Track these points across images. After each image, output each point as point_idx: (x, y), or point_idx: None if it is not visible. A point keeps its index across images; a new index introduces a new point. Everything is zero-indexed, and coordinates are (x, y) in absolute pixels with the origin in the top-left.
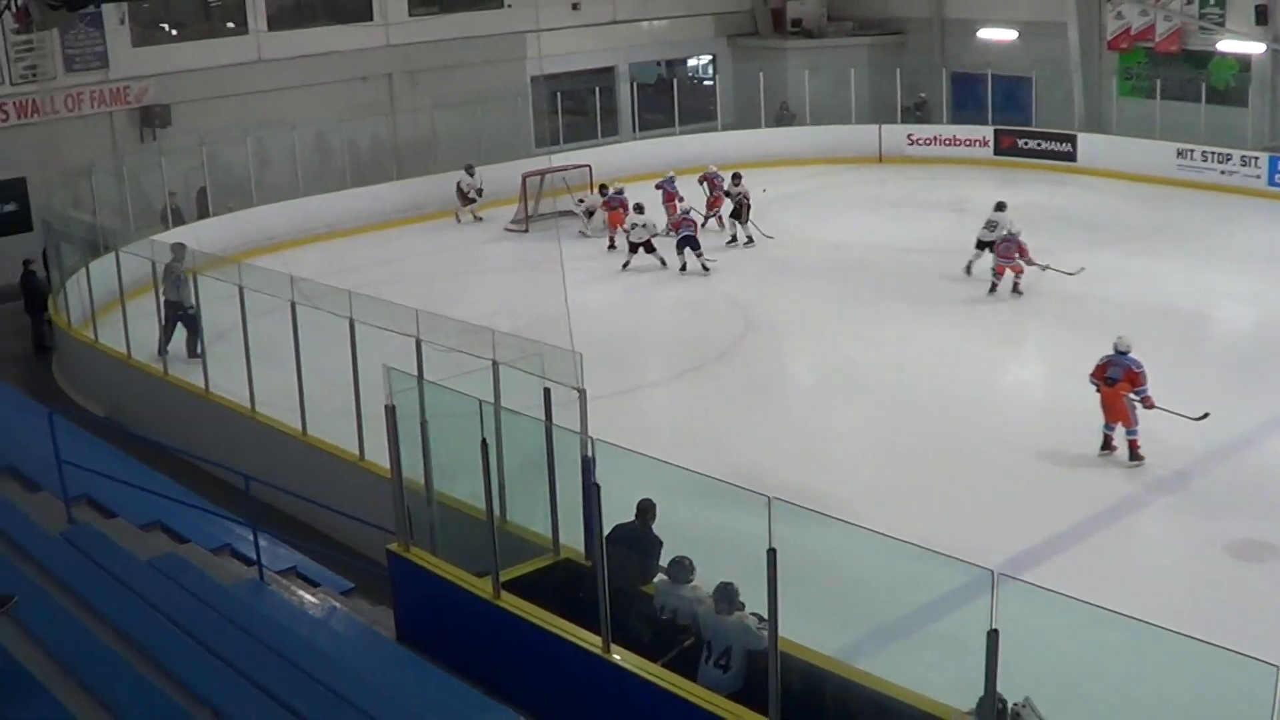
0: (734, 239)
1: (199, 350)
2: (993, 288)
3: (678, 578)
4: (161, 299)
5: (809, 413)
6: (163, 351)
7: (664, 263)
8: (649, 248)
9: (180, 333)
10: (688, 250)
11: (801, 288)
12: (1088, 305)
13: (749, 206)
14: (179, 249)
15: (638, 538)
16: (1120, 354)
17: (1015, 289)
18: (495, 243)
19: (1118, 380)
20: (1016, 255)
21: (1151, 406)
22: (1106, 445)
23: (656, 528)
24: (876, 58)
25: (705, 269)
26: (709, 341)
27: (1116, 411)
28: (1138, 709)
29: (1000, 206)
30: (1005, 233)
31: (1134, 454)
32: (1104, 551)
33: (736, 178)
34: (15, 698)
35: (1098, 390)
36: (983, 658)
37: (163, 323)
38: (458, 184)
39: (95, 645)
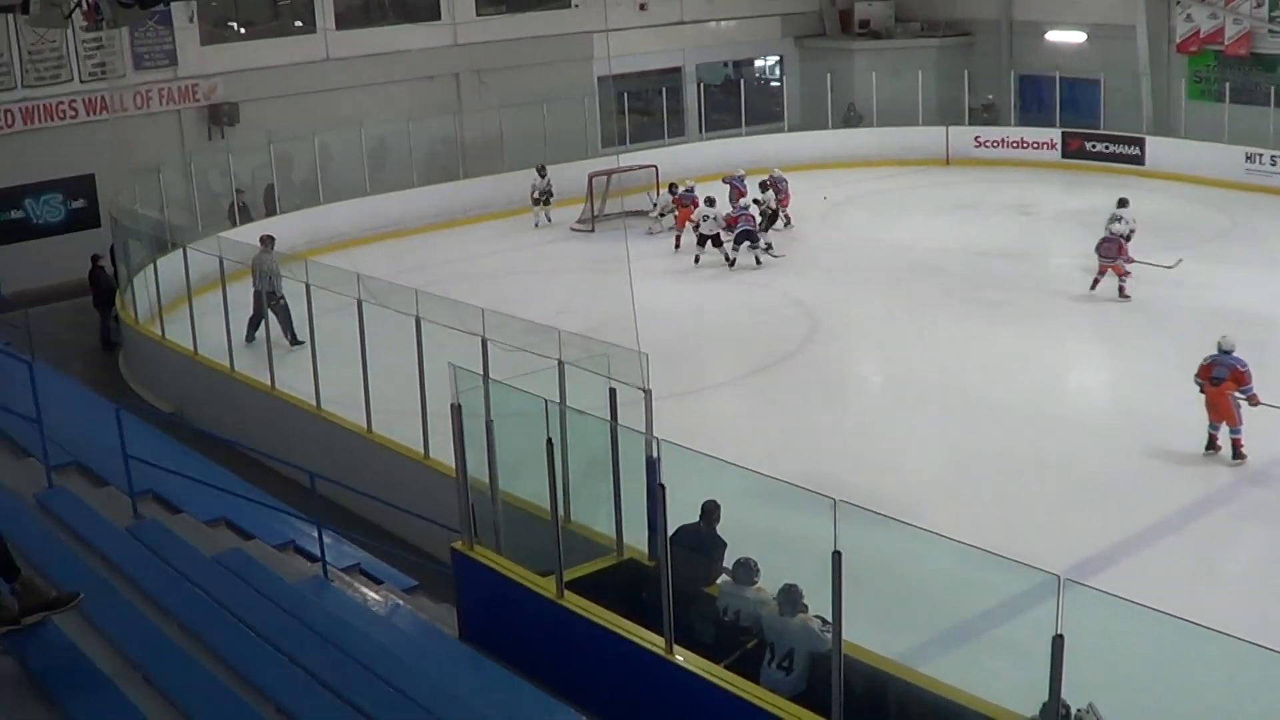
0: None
1: (296, 338)
2: (1094, 284)
3: (742, 579)
4: (252, 290)
5: (874, 415)
6: (249, 340)
7: (730, 261)
8: (717, 241)
9: (274, 324)
10: (745, 245)
11: (867, 290)
12: (1154, 309)
13: (773, 215)
14: (268, 240)
15: (701, 539)
16: (1225, 354)
17: (1121, 293)
18: (561, 242)
19: (1223, 380)
20: (1117, 255)
21: (1257, 404)
22: (1211, 445)
23: (720, 529)
24: (944, 59)
25: (758, 261)
26: (774, 343)
27: (1221, 411)
28: (1203, 717)
29: (1122, 203)
30: (1107, 232)
31: (1237, 453)
32: (1171, 558)
33: (764, 186)
34: (81, 692)
35: (1201, 390)
36: (1046, 664)
37: (252, 313)
38: (531, 186)
39: (160, 640)
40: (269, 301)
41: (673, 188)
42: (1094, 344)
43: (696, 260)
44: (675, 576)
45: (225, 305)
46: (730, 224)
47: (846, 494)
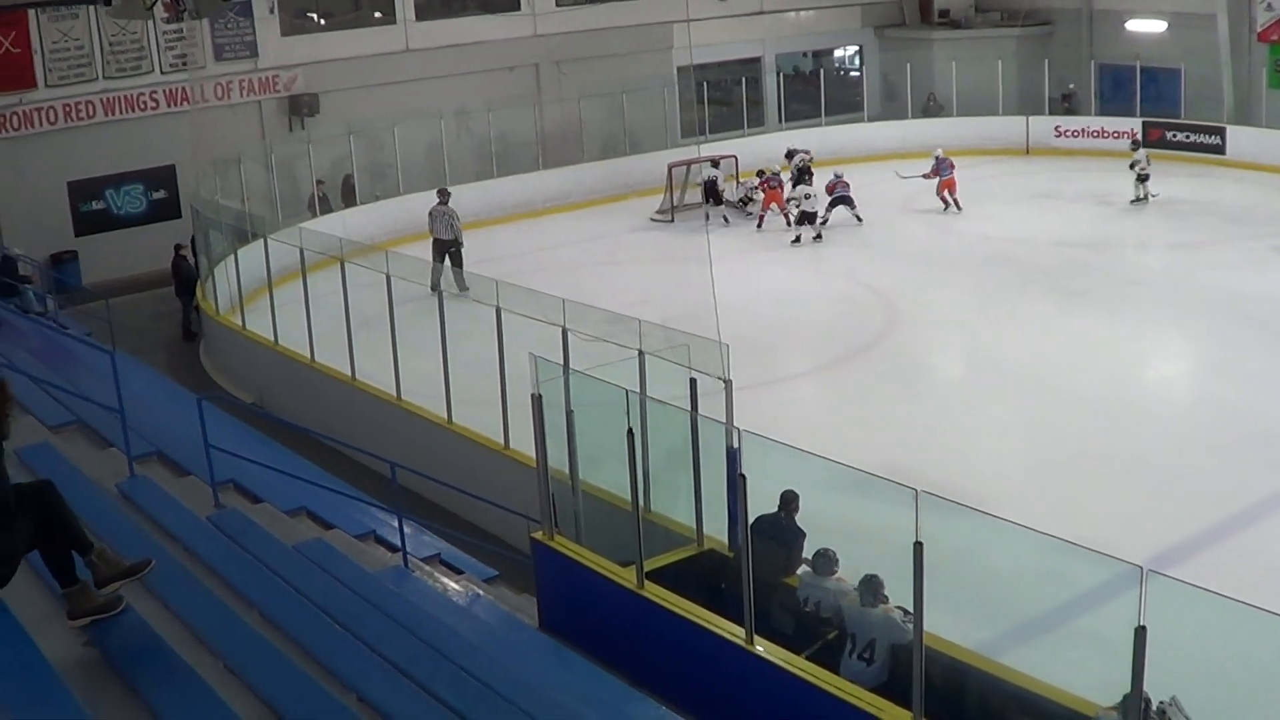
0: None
1: (465, 285)
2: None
3: (821, 570)
4: (431, 238)
5: (953, 406)
6: (435, 288)
7: (819, 235)
8: (812, 219)
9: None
10: (840, 208)
11: (947, 280)
12: (1235, 299)
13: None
14: (444, 193)
15: (780, 529)
16: None
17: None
18: (641, 232)
19: None
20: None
21: None
22: None
23: (800, 519)
24: (1024, 49)
25: (859, 220)
26: (853, 334)
27: None
28: None
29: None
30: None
31: None
32: (1253, 550)
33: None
34: (163, 681)
35: None
36: (1128, 655)
37: (433, 261)
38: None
39: (241, 629)
40: (447, 249)
41: (761, 173)
42: (1173, 334)
43: (797, 240)
44: (755, 567)
45: (306, 296)
46: (830, 190)
47: (925, 484)
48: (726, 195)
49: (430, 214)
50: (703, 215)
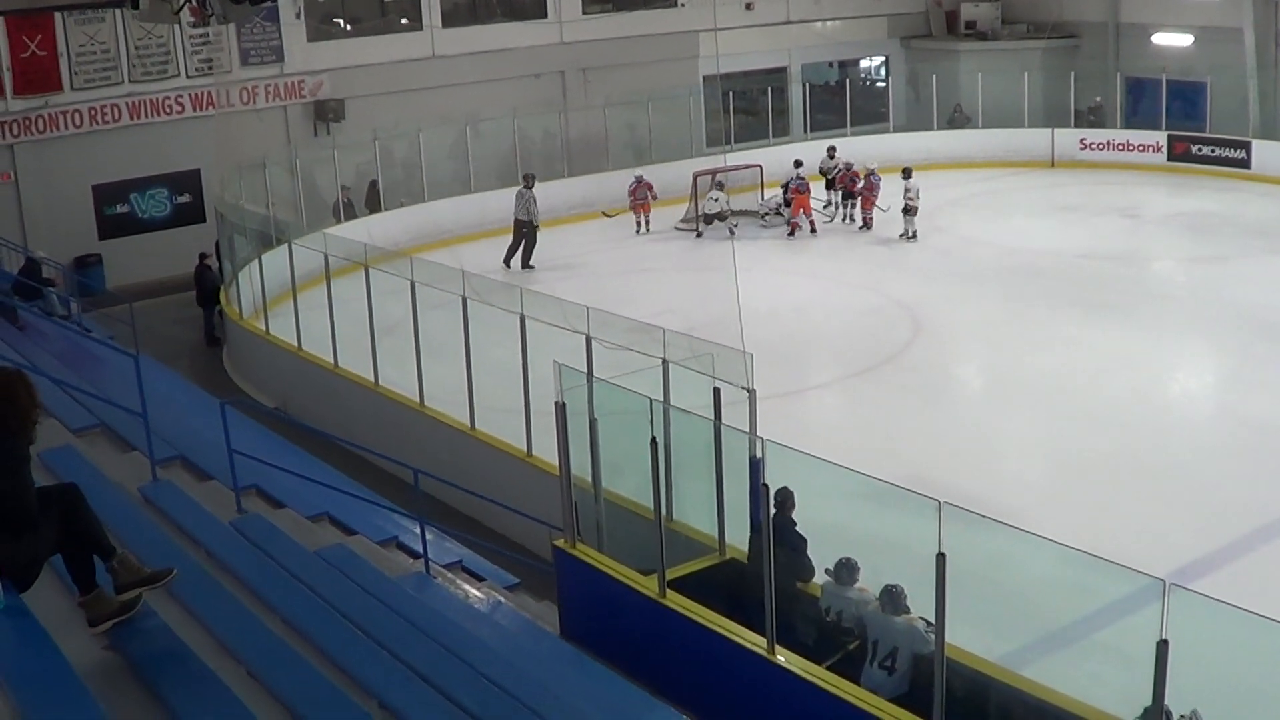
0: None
1: (529, 264)
2: None
3: (844, 580)
4: (514, 219)
5: (977, 418)
6: (507, 264)
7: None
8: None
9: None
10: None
11: (971, 292)
12: (1260, 313)
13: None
14: (529, 177)
15: (781, 532)
16: None
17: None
18: (665, 241)
19: None
20: None
21: None
22: None
23: (819, 528)
24: (1050, 61)
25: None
26: (877, 345)
27: None
28: None
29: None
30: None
31: None
32: (1274, 563)
33: (831, 151)
34: (184, 685)
35: None
36: (1149, 669)
37: (511, 241)
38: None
39: (263, 633)
40: (522, 229)
41: (785, 186)
42: (1199, 347)
43: (911, 236)
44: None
45: (330, 301)
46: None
47: (948, 496)
48: (741, 206)
49: (516, 195)
50: (723, 229)
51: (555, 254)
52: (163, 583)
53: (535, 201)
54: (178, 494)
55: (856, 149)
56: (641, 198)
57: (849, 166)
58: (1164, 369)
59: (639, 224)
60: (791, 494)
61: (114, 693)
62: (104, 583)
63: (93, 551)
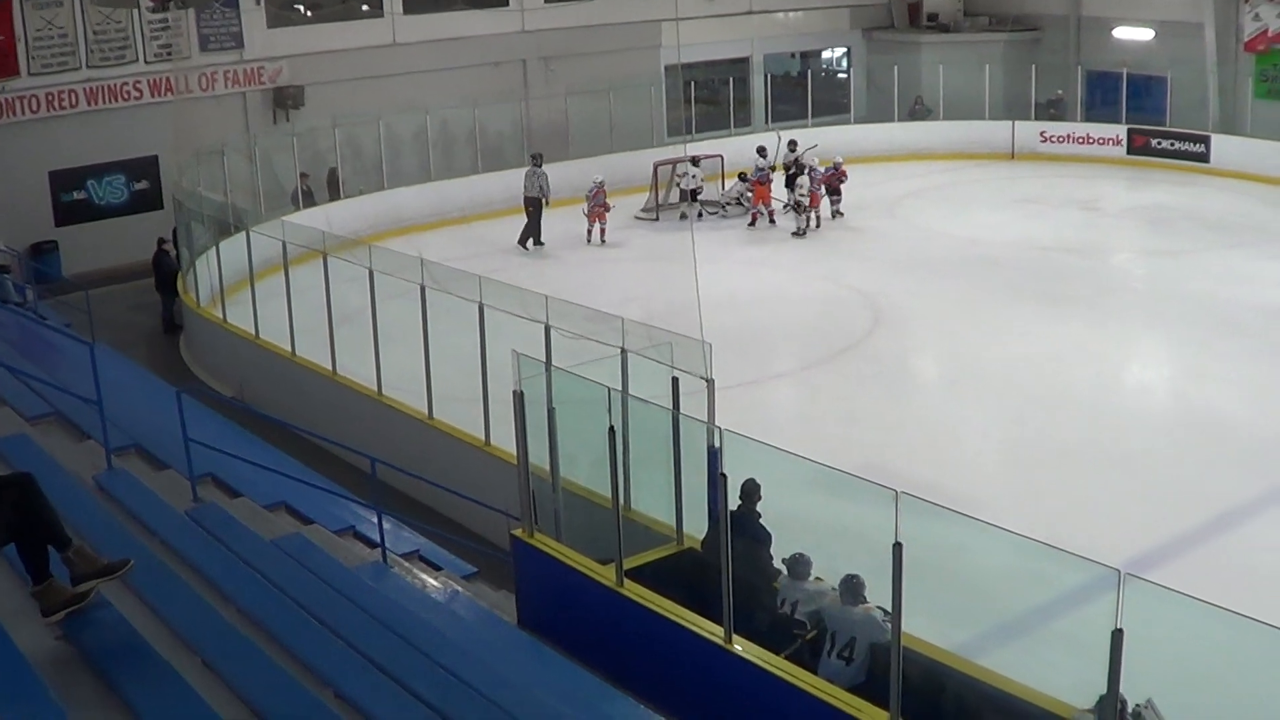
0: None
1: (539, 242)
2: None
3: (798, 574)
4: (524, 197)
5: (935, 408)
6: (522, 243)
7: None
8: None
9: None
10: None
11: (931, 283)
12: (1216, 306)
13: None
14: (537, 157)
15: (746, 525)
16: None
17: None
18: (625, 231)
19: None
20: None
21: None
22: None
23: (778, 518)
24: (1011, 54)
25: (838, 213)
26: (837, 335)
27: None
28: (1263, 715)
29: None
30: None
31: None
32: (1228, 554)
33: (793, 144)
34: (139, 674)
35: None
36: (1104, 657)
37: (527, 222)
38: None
39: (219, 623)
40: (529, 207)
41: (743, 176)
42: (1155, 339)
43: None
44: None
45: (288, 289)
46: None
47: (906, 486)
48: (705, 196)
49: (525, 176)
50: (687, 213)
51: (515, 242)
52: (119, 574)
53: (547, 178)
54: (133, 483)
55: (818, 140)
56: (600, 204)
57: (838, 165)
58: (1121, 361)
59: (590, 233)
60: (758, 486)
61: (67, 683)
62: (59, 573)
63: (48, 542)
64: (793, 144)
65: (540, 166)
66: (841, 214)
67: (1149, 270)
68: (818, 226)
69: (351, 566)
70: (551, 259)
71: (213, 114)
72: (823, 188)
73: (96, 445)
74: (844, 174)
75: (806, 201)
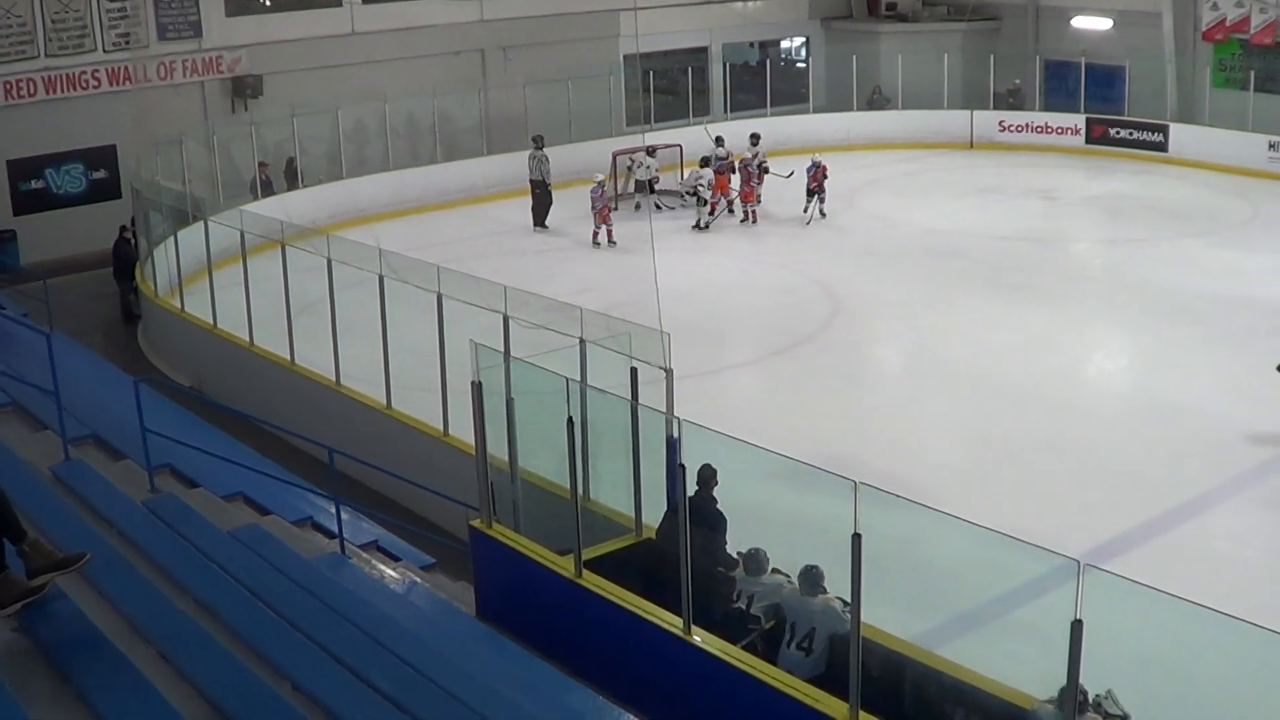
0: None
1: (544, 224)
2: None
3: (753, 570)
4: (529, 180)
5: (894, 398)
6: (538, 224)
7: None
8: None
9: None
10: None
11: (890, 273)
12: (1175, 296)
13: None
14: (539, 139)
15: (703, 511)
16: None
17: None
18: (585, 220)
19: None
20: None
21: None
22: None
23: (736, 509)
24: (970, 43)
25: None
26: (796, 324)
27: None
28: (1222, 704)
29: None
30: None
31: None
32: (1190, 543)
33: (755, 137)
34: (95, 667)
35: None
36: (1064, 647)
37: (533, 204)
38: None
39: (175, 615)
40: (535, 190)
41: (705, 162)
42: (1115, 329)
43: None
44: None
45: (246, 279)
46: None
47: (866, 476)
48: (663, 186)
49: (528, 158)
50: (646, 204)
51: (474, 232)
52: (75, 567)
53: (548, 160)
54: (90, 473)
55: (777, 130)
56: (605, 203)
57: (818, 164)
58: (1080, 350)
59: (597, 235)
60: (715, 471)
61: (23, 675)
62: (15, 565)
63: (3, 534)
64: (755, 137)
65: (542, 148)
66: (824, 215)
67: (1107, 259)
68: (731, 213)
69: (310, 557)
70: (508, 249)
71: (171, 103)
72: (734, 178)
73: (54, 436)
74: (824, 169)
75: (708, 195)
